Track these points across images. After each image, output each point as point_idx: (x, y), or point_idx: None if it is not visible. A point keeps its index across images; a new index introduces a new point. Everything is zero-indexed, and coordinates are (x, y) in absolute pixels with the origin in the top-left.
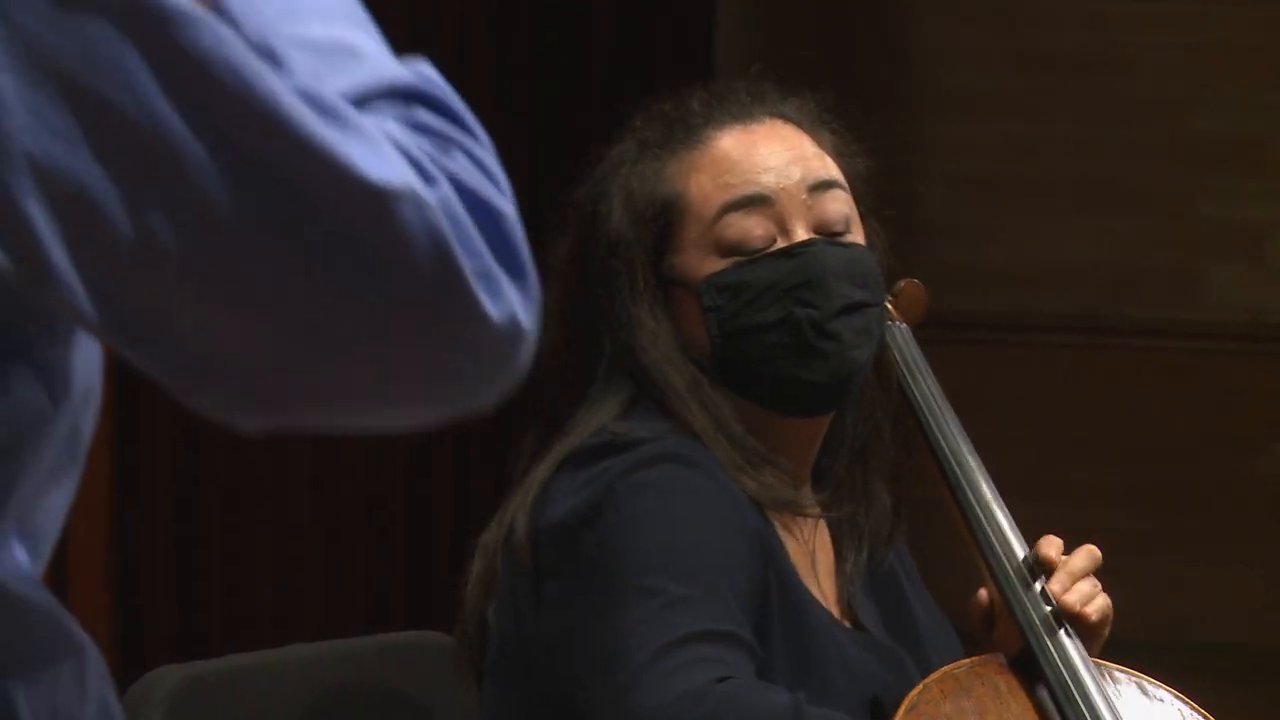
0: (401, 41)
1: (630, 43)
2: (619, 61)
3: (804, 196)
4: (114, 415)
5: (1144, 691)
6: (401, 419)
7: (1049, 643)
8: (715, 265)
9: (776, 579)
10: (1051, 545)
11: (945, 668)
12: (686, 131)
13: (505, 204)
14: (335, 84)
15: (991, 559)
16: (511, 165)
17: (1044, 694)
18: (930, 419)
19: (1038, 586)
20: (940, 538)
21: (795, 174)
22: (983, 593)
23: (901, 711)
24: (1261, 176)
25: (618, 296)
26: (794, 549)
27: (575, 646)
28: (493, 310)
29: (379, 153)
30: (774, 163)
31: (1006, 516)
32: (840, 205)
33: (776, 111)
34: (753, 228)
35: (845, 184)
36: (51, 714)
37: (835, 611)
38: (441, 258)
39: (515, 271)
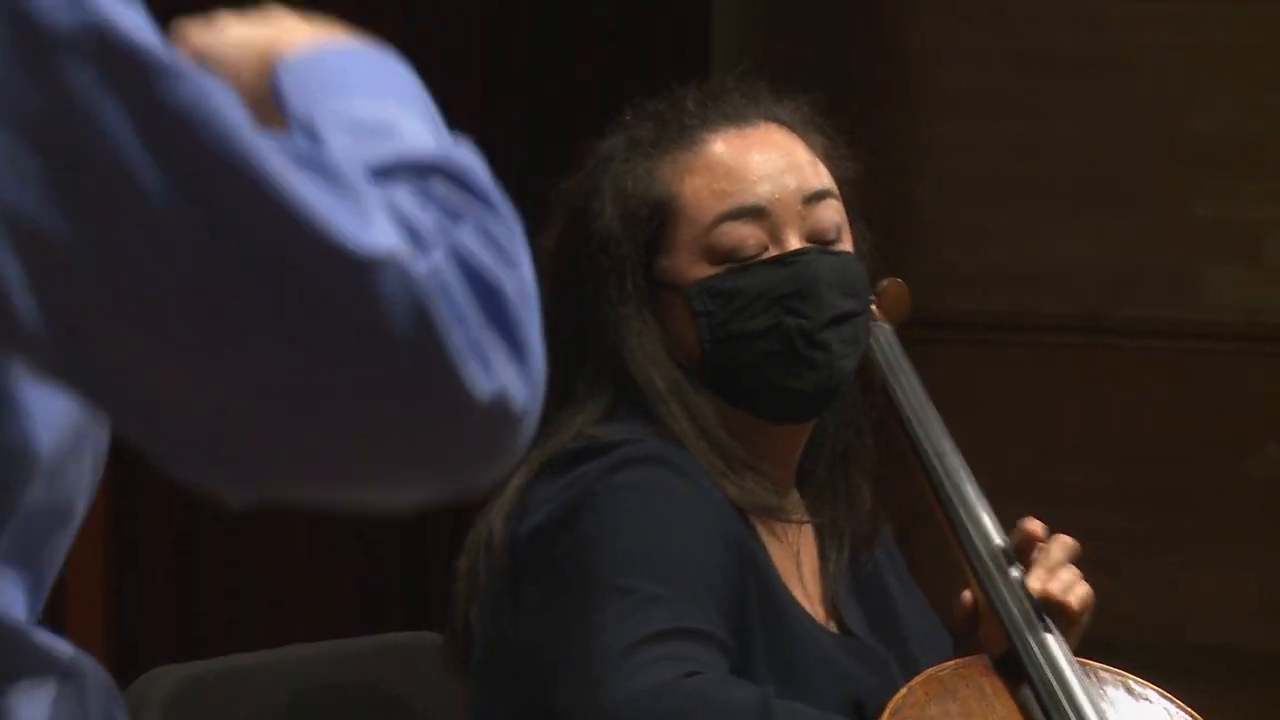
0: (399, 42)
1: (628, 43)
2: (617, 61)
3: (799, 207)
4: None
5: (1130, 691)
6: (389, 495)
7: (1033, 643)
8: (706, 270)
9: (757, 583)
10: (1034, 523)
11: (929, 670)
12: (680, 132)
13: (511, 279)
14: (360, 156)
15: (975, 559)
16: (509, 165)
17: (1029, 695)
18: (913, 419)
19: (1020, 584)
20: (925, 538)
21: (790, 184)
22: (967, 594)
23: (885, 715)
24: (1259, 177)
25: (605, 295)
26: (778, 553)
27: (552, 648)
28: (478, 385)
29: (368, 219)
30: (769, 171)
31: (991, 517)
32: (832, 214)
33: (770, 114)
34: (747, 237)
35: (837, 191)
36: None
37: (820, 613)
38: (422, 327)
39: (514, 348)
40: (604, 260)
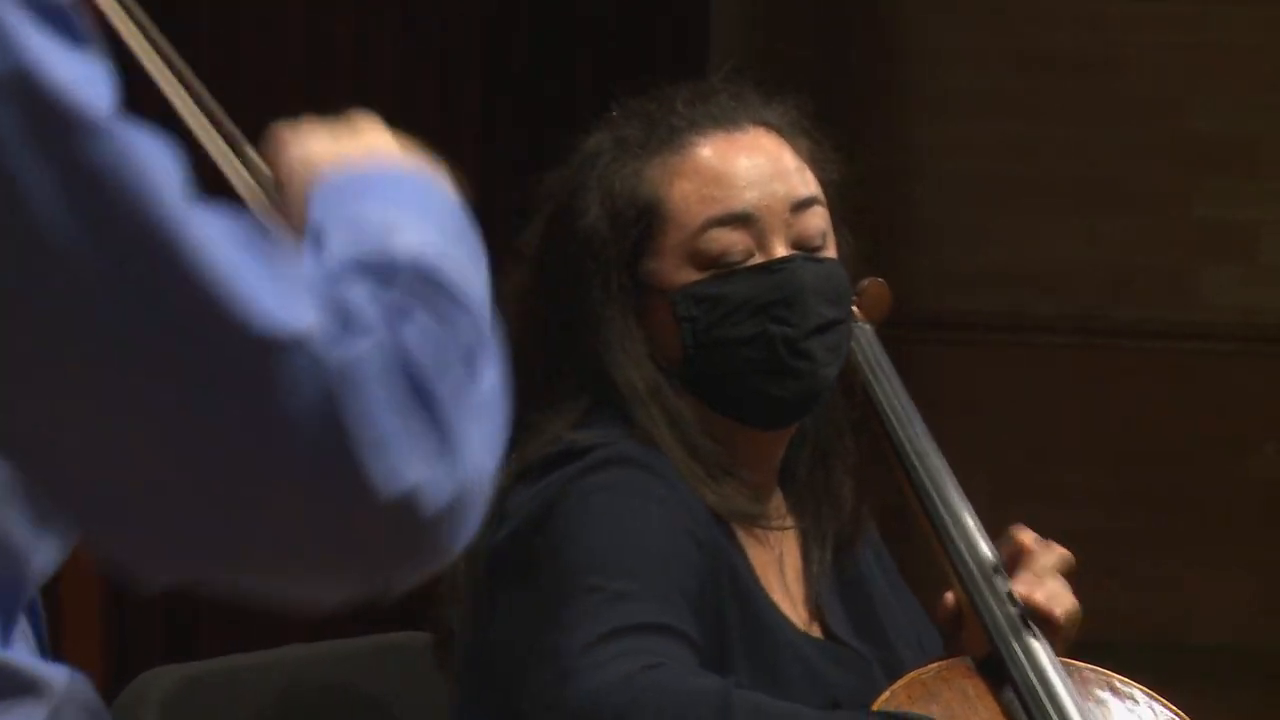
0: (398, 43)
1: (627, 42)
2: (616, 61)
3: (785, 214)
4: None
5: (1115, 690)
6: (297, 589)
7: (1015, 645)
8: (692, 275)
9: (734, 590)
10: (1024, 532)
11: (912, 673)
12: (669, 133)
13: (448, 380)
14: (347, 251)
15: (957, 560)
16: (506, 165)
17: (1012, 697)
18: (894, 420)
19: (1004, 588)
20: (907, 540)
21: (778, 191)
22: (949, 595)
23: None
24: (1257, 177)
25: (588, 295)
26: (759, 557)
27: (523, 646)
28: (383, 481)
29: (289, 300)
30: (756, 177)
31: (973, 517)
32: (818, 221)
33: (758, 118)
34: (734, 243)
35: (823, 198)
36: None
37: (804, 616)
38: (327, 414)
39: (443, 449)
40: (588, 260)
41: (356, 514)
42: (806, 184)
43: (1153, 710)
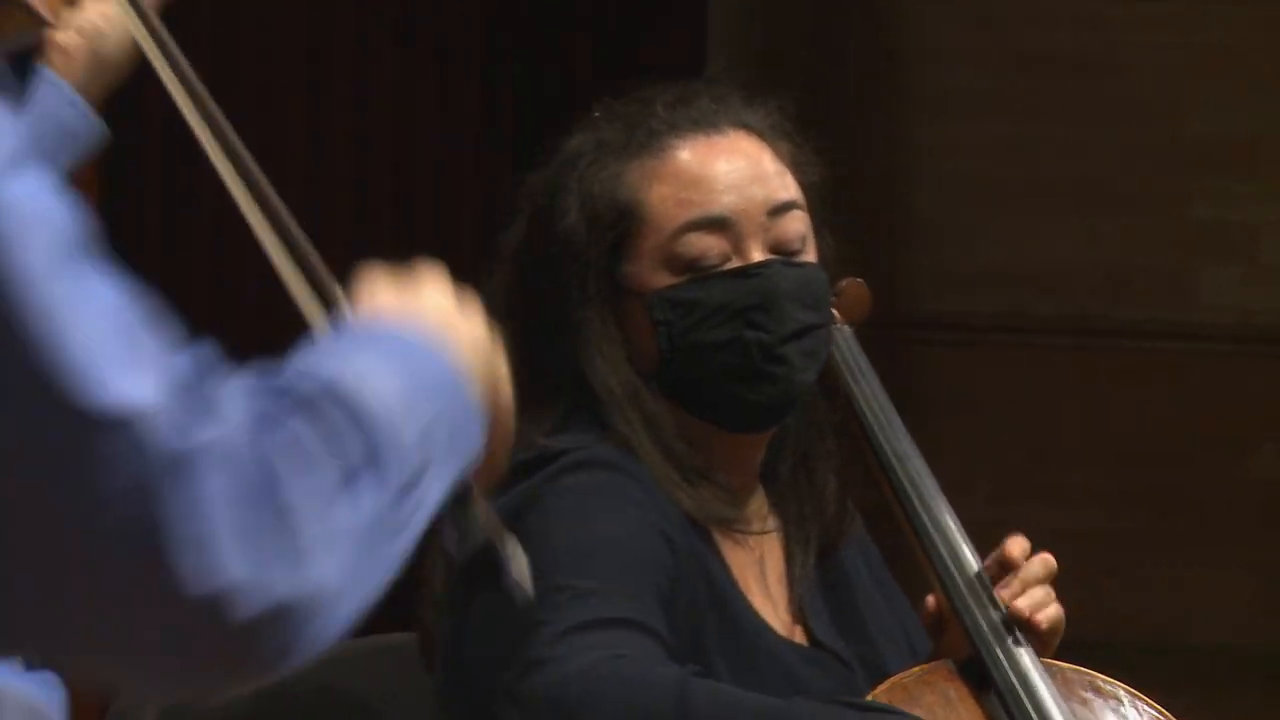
0: (396, 39)
1: (625, 42)
2: (612, 60)
3: (763, 219)
4: None
5: (1098, 690)
6: (115, 675)
7: (997, 648)
8: (668, 279)
9: (711, 594)
10: (1016, 545)
11: (894, 677)
12: (649, 137)
13: (306, 491)
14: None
15: (938, 563)
16: (500, 164)
17: (994, 700)
18: (873, 422)
19: (985, 591)
20: (886, 542)
21: (756, 195)
22: (931, 598)
23: None
24: (1256, 178)
25: (566, 297)
26: (738, 560)
27: (493, 648)
28: (189, 578)
29: (134, 379)
30: (735, 181)
31: (954, 519)
32: (797, 225)
33: (739, 121)
34: (710, 247)
35: (802, 201)
36: None
37: (787, 619)
38: (141, 499)
39: (280, 559)
40: (566, 262)
41: (161, 605)
42: (786, 188)
43: (1136, 710)
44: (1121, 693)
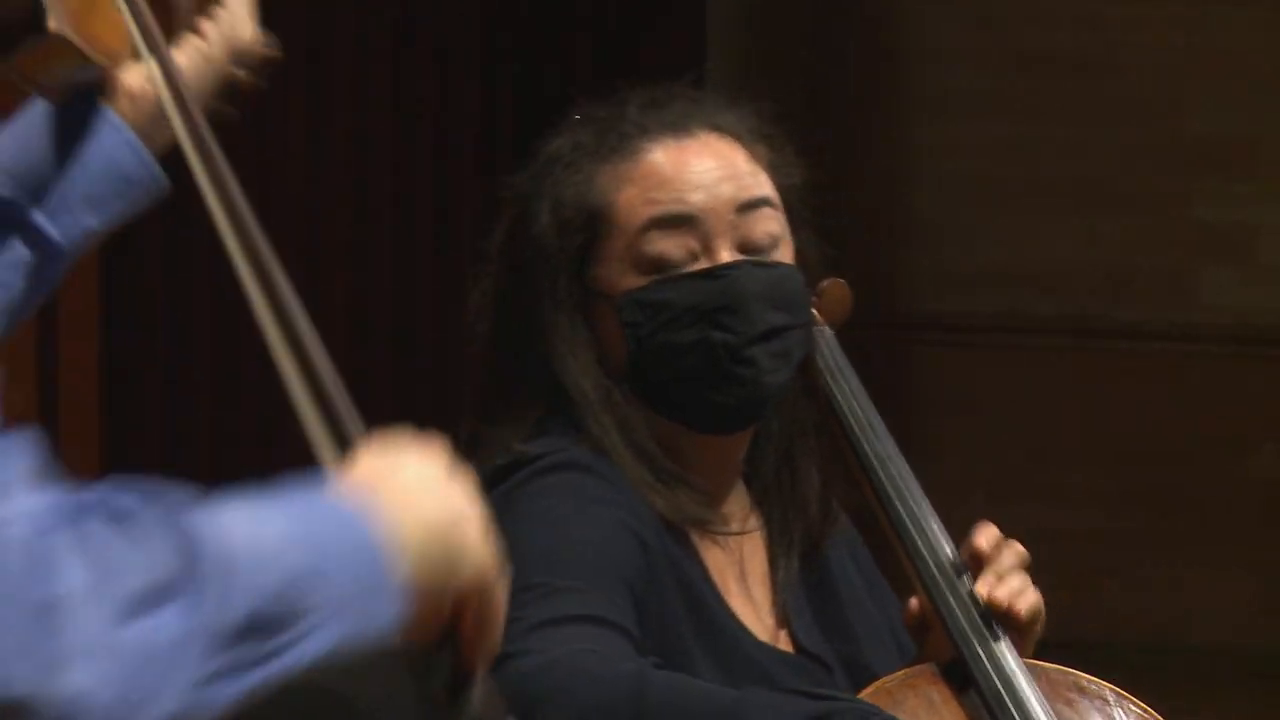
0: (396, 39)
1: (624, 42)
2: (612, 60)
3: (731, 216)
4: (101, 423)
5: (1083, 690)
6: None
7: (980, 651)
8: (636, 281)
9: (686, 598)
10: (983, 535)
11: (878, 682)
12: (620, 140)
13: (84, 593)
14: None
15: (919, 564)
16: (500, 164)
17: (978, 702)
18: (854, 424)
19: (967, 590)
20: (871, 544)
21: (725, 192)
22: (914, 601)
23: None
24: (1256, 178)
25: (539, 302)
26: (718, 561)
27: None
28: None
29: None
30: (704, 180)
31: (936, 521)
32: (768, 224)
33: (712, 124)
34: (675, 245)
35: (776, 201)
36: None
37: (770, 622)
38: None
39: (27, 647)
40: (539, 266)
41: None
42: (759, 185)
43: (1123, 709)
44: (1108, 692)
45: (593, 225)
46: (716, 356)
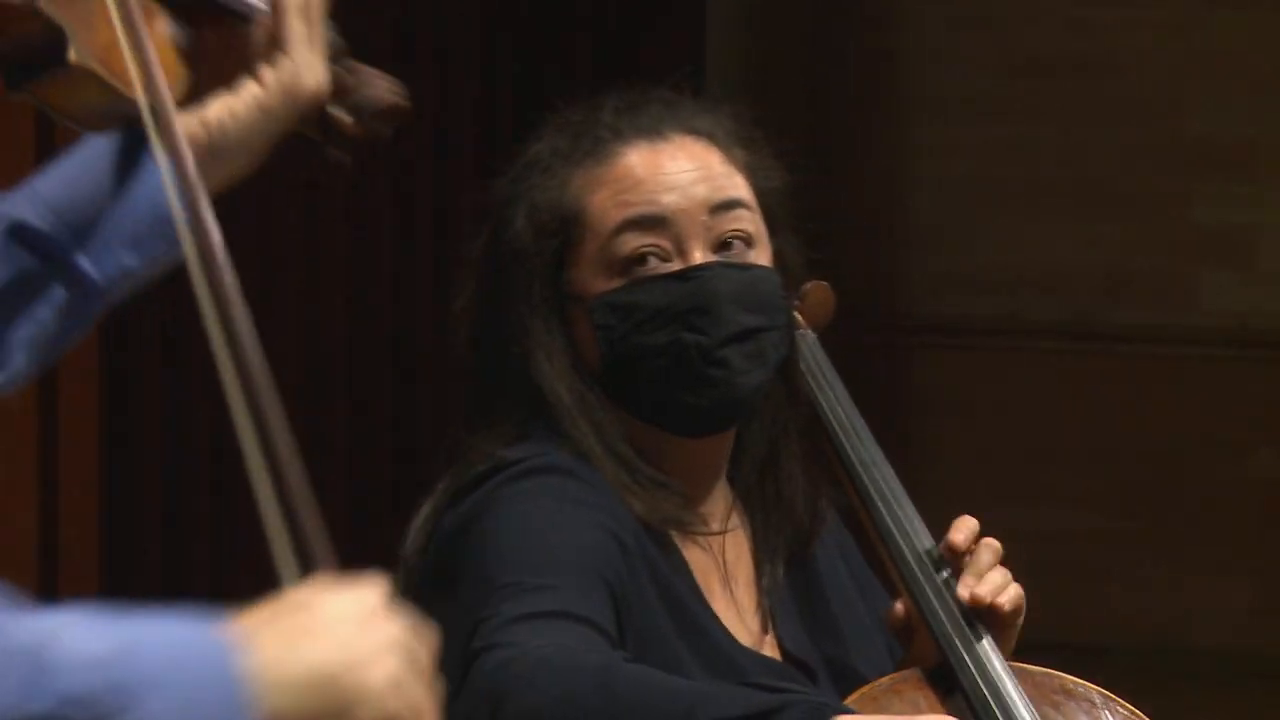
0: (395, 39)
1: (624, 42)
2: (612, 60)
3: (704, 217)
4: (101, 420)
5: (1069, 693)
6: None
7: (966, 655)
8: (609, 284)
9: (666, 599)
10: (959, 531)
11: (864, 688)
12: (594, 144)
13: None
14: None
15: (904, 570)
16: (496, 166)
17: (964, 706)
18: (838, 428)
19: (951, 594)
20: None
21: (698, 194)
22: (899, 605)
23: None
24: (1254, 181)
25: (515, 307)
26: (701, 563)
27: (443, 647)
28: None
29: None
30: (678, 181)
31: (920, 524)
32: (742, 225)
33: (687, 126)
34: (646, 246)
35: (752, 203)
36: None
37: (755, 626)
38: None
39: None
40: (516, 271)
41: None
42: (734, 187)
43: (1110, 711)
44: (1094, 695)
45: (567, 229)
46: (688, 358)
